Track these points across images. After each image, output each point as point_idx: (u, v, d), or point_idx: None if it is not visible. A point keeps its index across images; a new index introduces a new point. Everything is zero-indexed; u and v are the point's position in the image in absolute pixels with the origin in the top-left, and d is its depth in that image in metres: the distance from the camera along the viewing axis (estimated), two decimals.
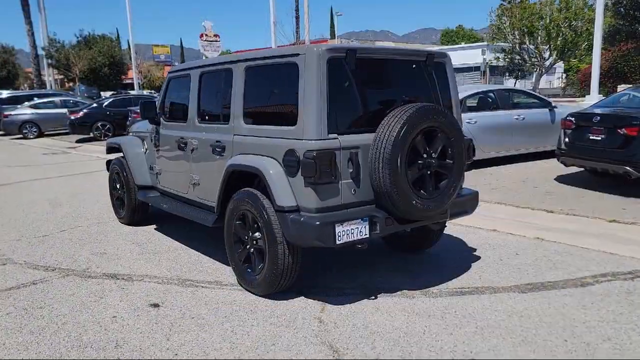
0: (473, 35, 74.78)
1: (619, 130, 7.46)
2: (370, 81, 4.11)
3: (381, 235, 4.03)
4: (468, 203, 4.67)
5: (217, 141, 4.72)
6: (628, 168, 7.31)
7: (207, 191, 4.90)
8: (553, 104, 10.84)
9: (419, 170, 4.00)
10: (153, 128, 5.99)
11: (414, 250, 5.34)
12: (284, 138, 3.96)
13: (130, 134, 6.87)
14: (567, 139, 8.33)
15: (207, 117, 5.02)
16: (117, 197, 6.84)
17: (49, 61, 37.89)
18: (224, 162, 4.49)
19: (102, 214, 7.36)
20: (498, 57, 41.10)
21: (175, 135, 5.45)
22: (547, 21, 37.00)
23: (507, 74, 42.48)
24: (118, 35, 42.90)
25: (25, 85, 48.72)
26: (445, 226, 5.18)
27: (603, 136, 7.71)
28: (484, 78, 45.93)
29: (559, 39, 36.71)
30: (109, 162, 6.95)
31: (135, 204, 6.42)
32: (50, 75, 41.91)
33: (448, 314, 3.91)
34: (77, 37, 39.17)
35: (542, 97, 11.34)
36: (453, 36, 77.67)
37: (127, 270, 5.00)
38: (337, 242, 3.77)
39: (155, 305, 4.14)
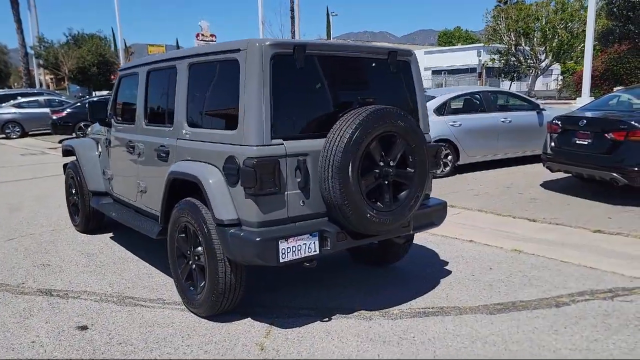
0: (470, 36, 74.55)
1: (606, 135, 7.09)
2: (322, 80, 3.72)
3: (332, 252, 3.64)
4: (435, 214, 4.28)
5: (161, 145, 4.33)
6: (615, 174, 6.94)
7: (154, 199, 4.51)
8: (541, 107, 10.48)
9: (374, 180, 3.61)
10: (105, 130, 5.59)
11: (380, 263, 4.96)
12: (225, 144, 3.58)
13: (89, 136, 6.47)
14: (553, 143, 7.96)
15: (153, 119, 4.63)
16: (72, 203, 6.44)
17: (39, 60, 37.42)
18: (168, 169, 4.10)
19: (60, 221, 6.96)
20: (493, 59, 40.90)
21: (125, 138, 5.06)
22: (543, 22, 36.80)
23: (503, 75, 42.25)
24: (114, 35, 42.41)
25: (16, 84, 48.23)
26: (412, 239, 4.79)
27: (590, 141, 7.34)
28: (480, 79, 45.66)
29: (555, 40, 36.50)
30: (65, 166, 6.55)
31: (89, 211, 6.02)
32: (41, 75, 41.43)
33: (405, 340, 3.52)
34: (67, 36, 38.74)
35: (530, 99, 10.99)
36: (450, 37, 77.43)
37: (65, 286, 4.60)
38: (281, 260, 3.39)
39: (83, 328, 3.75)
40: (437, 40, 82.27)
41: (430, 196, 4.42)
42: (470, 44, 58.40)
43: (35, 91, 25.63)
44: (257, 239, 3.32)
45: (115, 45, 40.37)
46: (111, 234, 6.24)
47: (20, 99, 21.98)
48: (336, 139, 3.42)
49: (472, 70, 47.08)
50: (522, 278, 4.63)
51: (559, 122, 7.85)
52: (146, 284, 4.62)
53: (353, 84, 3.88)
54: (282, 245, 3.38)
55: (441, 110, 9.44)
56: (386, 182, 3.65)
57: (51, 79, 53.06)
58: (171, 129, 4.22)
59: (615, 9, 24.62)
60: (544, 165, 8.22)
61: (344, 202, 3.42)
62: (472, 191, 8.32)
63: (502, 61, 40.18)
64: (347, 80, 3.85)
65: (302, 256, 3.48)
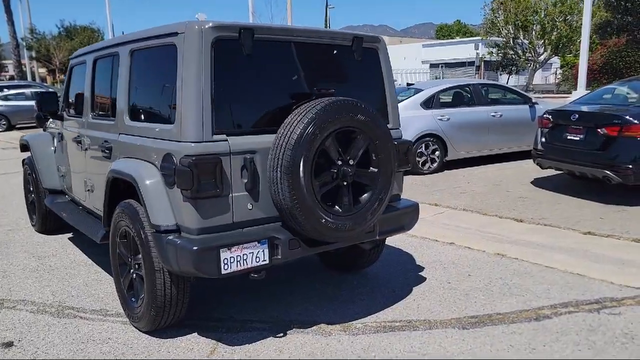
0: (468, 30, 73.97)
1: (598, 130, 6.69)
2: (274, 69, 3.33)
3: (284, 262, 3.25)
4: (404, 218, 3.90)
5: (105, 141, 3.95)
6: (608, 172, 6.55)
7: (100, 200, 4.12)
8: (534, 100, 10.07)
9: (331, 181, 3.23)
10: (59, 124, 5.20)
11: (349, 269, 4.58)
12: (164, 140, 3.19)
13: (47, 129, 6.07)
14: (543, 139, 7.57)
15: (98, 112, 4.24)
16: (30, 201, 6.06)
17: (30, 53, 36.88)
18: (110, 167, 3.72)
19: (20, 220, 6.57)
20: (491, 52, 40.38)
21: (74, 132, 4.67)
22: (542, 15, 36.27)
23: (501, 69, 41.78)
24: (113, 28, 41.77)
25: (7, 76, 47.70)
26: (383, 243, 4.41)
27: (582, 136, 6.95)
28: (478, 73, 45.16)
29: (554, 33, 35.96)
30: (23, 161, 6.16)
31: (46, 210, 5.63)
32: (34, 67, 40.91)
33: None
34: (59, 28, 38.22)
35: (522, 92, 10.58)
36: (448, 31, 76.83)
37: (3, 294, 4.23)
38: (223, 272, 3.01)
39: (8, 345, 3.37)
40: (435, 33, 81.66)
41: (408, 197, 4.06)
42: (469, 37, 57.83)
43: (23, 83, 25.14)
44: (194, 247, 2.94)
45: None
46: (70, 235, 5.85)
47: (6, 92, 21.51)
48: (286, 134, 3.04)
49: (470, 63, 46.55)
50: (502, 286, 4.26)
51: (550, 117, 7.46)
52: (93, 292, 4.25)
53: (311, 73, 3.47)
54: (225, 254, 3.00)
55: (429, 103, 9.04)
56: (345, 184, 3.27)
57: (47, 71, 52.54)
58: (113, 122, 3.83)
59: (613, 0, 24.16)
60: (534, 162, 7.83)
61: (294, 206, 3.04)
62: (459, 189, 7.94)
63: (500, 54, 39.67)
64: (303, 69, 3.45)
65: (249, 266, 3.11)
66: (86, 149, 4.34)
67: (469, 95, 9.60)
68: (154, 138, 3.29)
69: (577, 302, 3.93)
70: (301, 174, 3.02)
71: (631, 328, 3.49)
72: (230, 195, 3.10)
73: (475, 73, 45.67)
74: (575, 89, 15.80)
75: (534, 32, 36.96)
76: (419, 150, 8.83)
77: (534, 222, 6.11)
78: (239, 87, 3.16)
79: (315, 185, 3.11)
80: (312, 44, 3.46)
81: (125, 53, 3.70)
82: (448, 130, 8.98)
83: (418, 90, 9.26)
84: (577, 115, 7.05)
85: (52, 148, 5.53)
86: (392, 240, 5.42)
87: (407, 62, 51.74)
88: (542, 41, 36.75)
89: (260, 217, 3.24)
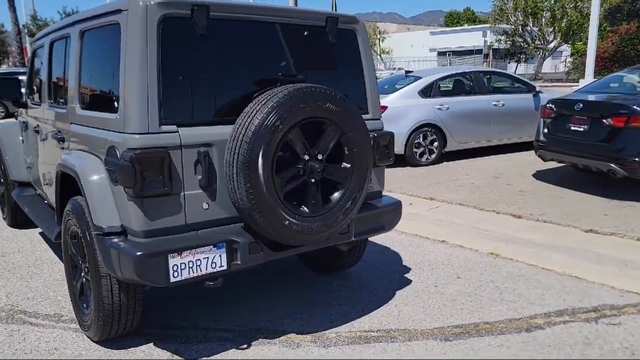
0: (477, 18, 72.94)
1: (603, 121, 6.30)
2: (234, 52, 2.98)
3: (245, 267, 2.93)
4: (385, 216, 3.56)
5: (58, 131, 3.63)
6: (613, 165, 6.16)
7: (54, 195, 3.81)
8: (538, 89, 9.64)
9: (296, 178, 2.89)
10: (23, 112, 4.89)
11: (330, 270, 4.26)
12: (109, 130, 2.86)
13: (18, 118, 5.76)
14: (546, 130, 7.18)
15: (54, 100, 3.91)
16: (1, 194, 5.77)
17: (32, 39, 36.53)
18: (59, 159, 3.40)
19: None
20: (499, 40, 39.69)
21: (34, 121, 4.36)
22: (552, 2, 35.49)
23: (509, 57, 41.07)
24: None
25: (10, 63, 47.45)
26: (364, 243, 4.07)
27: (586, 127, 6.55)
28: (486, 61, 44.46)
29: (564, 20, 35.23)
30: None
31: (15, 203, 5.33)
32: None
33: None
34: (61, 15, 37.82)
35: (526, 81, 10.14)
36: (457, 18, 75.80)
37: None
38: (172, 280, 2.69)
39: None
40: (443, 21, 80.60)
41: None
42: (477, 25, 56.93)
43: (22, 70, 24.84)
44: (138, 253, 2.61)
45: None
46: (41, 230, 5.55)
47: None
48: (243, 125, 2.70)
49: (478, 51, 45.83)
50: (493, 291, 3.92)
51: (553, 106, 7.05)
52: (51, 293, 3.95)
53: (277, 57, 3.12)
54: (174, 260, 2.68)
55: (427, 92, 8.64)
56: (313, 181, 2.93)
57: None
58: (65, 111, 3.51)
59: None
60: (536, 154, 7.45)
61: (252, 207, 2.71)
62: (457, 181, 7.57)
63: (509, 42, 38.98)
64: (269, 52, 3.10)
65: (203, 273, 2.79)
66: (44, 139, 4.02)
67: (470, 84, 9.19)
68: (100, 129, 2.97)
69: (573, 310, 3.58)
70: (260, 170, 2.68)
71: (631, 341, 3.15)
72: (182, 193, 2.77)
73: (484, 61, 44.96)
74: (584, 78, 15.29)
75: (543, 19, 36.26)
76: (417, 141, 8.46)
77: (533, 218, 5.75)
78: (192, 71, 2.81)
79: (277, 182, 2.77)
80: (279, 24, 3.10)
81: (75, 34, 3.37)
82: (447, 120, 8.60)
83: (417, 78, 8.86)
84: (581, 105, 6.65)
85: (21, 138, 5.22)
86: (380, 238, 5.10)
87: (415, 50, 51.10)
88: (552, 28, 36.06)
89: (218, 218, 2.91)
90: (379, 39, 50.57)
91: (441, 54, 50.63)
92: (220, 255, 2.82)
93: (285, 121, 2.72)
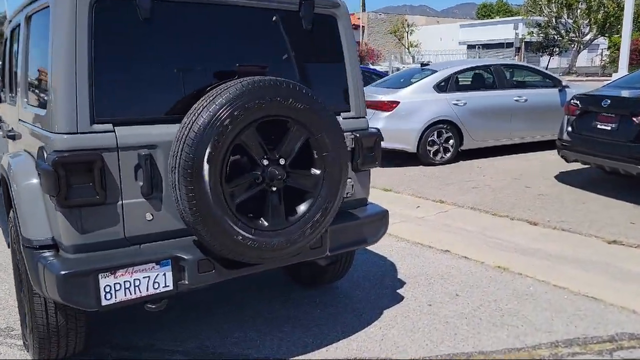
0: (510, 9, 71.06)
1: (634, 119, 5.71)
2: (185, 39, 2.59)
3: (194, 288, 2.55)
4: (367, 228, 3.14)
5: (11, 128, 3.32)
6: None
7: None
8: (565, 84, 9.00)
9: (253, 187, 2.49)
10: None
11: (315, 283, 3.85)
12: (41, 128, 2.52)
13: None
14: (570, 128, 6.60)
15: (11, 94, 3.61)
16: None
17: None
18: None
19: None
20: (532, 32, 38.40)
21: (2, 115, 4.07)
22: None
23: (541, 50, 39.74)
24: None
25: None
26: (350, 256, 3.65)
27: (614, 125, 5.96)
28: (518, 55, 43.13)
29: (600, 12, 33.83)
30: None
31: None
32: None
33: None
34: None
35: (552, 74, 9.50)
36: (489, 10, 74.01)
37: None
38: (104, 303, 2.34)
39: None
40: (475, 13, 78.83)
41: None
42: (510, 17, 55.38)
43: None
44: (61, 272, 2.26)
45: None
46: None
47: None
48: (188, 125, 2.31)
49: (509, 44, 44.46)
50: (494, 312, 3.46)
51: (578, 102, 6.48)
52: (11, 302, 3.65)
53: (238, 45, 2.73)
54: (106, 280, 2.32)
55: (443, 86, 8.12)
56: (274, 189, 2.53)
57: None
58: (15, 106, 3.19)
59: None
60: (558, 154, 6.87)
61: (196, 219, 2.32)
62: (471, 183, 7.06)
63: (541, 35, 37.69)
64: (228, 39, 2.70)
65: (143, 295, 2.42)
66: (4, 137, 3.73)
67: (490, 78, 8.63)
68: (35, 126, 2.63)
69: (585, 339, 3.10)
70: (205, 176, 2.29)
71: None
72: (120, 202, 2.41)
73: (515, 54, 43.67)
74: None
75: (578, 11, 34.93)
76: (430, 139, 7.96)
77: (551, 225, 5.23)
78: (133, 61, 2.44)
79: (227, 191, 2.38)
80: (241, 7, 2.70)
81: (22, 20, 3.04)
82: (464, 116, 8.07)
83: (433, 72, 8.35)
84: (609, 101, 6.06)
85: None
86: (377, 246, 4.65)
87: (443, 43, 49.98)
88: (587, 20, 34.69)
89: (166, 231, 2.54)
90: (407, 32, 49.66)
91: (471, 47, 49.36)
92: (164, 274, 2.46)
93: (237, 120, 2.33)
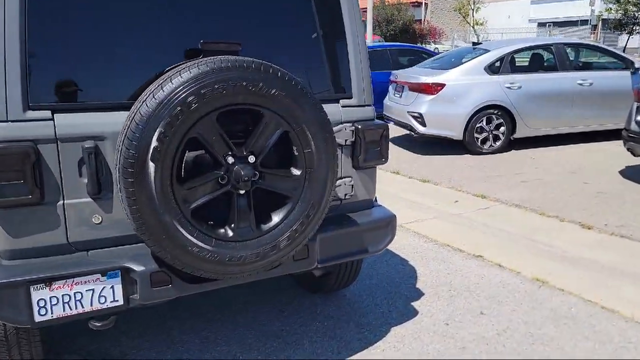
0: None
1: None
2: (143, 11, 2.19)
3: (148, 304, 2.19)
4: (368, 236, 2.67)
5: None
6: None
7: None
8: (637, 65, 8.01)
9: (215, 189, 2.08)
10: None
11: (319, 290, 3.44)
12: None
13: None
14: (639, 117, 5.77)
15: None
16: None
17: None
18: None
19: None
20: (610, 9, 35.60)
21: None
22: None
23: (620, 28, 36.85)
24: None
25: None
26: (358, 263, 3.19)
27: None
28: (594, 33, 40.26)
29: None
30: None
31: None
32: None
33: None
34: None
35: (623, 55, 8.48)
36: None
37: None
38: (38, 319, 2.02)
39: None
40: None
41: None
42: None
43: None
44: None
45: None
46: None
47: None
48: (132, 115, 1.92)
49: (584, 22, 41.64)
50: (522, 339, 2.92)
51: None
52: None
53: (207, 17, 2.30)
54: (40, 293, 2.00)
55: (495, 67, 7.38)
56: (242, 192, 2.11)
57: None
58: None
59: None
60: (624, 146, 6.06)
61: (139, 227, 1.95)
62: (521, 175, 6.36)
63: (620, 11, 34.87)
64: (194, 10, 2.28)
65: (86, 311, 2.09)
66: None
67: (551, 58, 7.78)
68: None
69: None
70: (150, 176, 1.90)
71: None
72: (61, 202, 2.07)
73: (591, 33, 40.79)
74: None
75: None
76: (479, 125, 7.27)
77: (607, 230, 4.55)
78: (79, 36, 2.07)
79: (179, 194, 1.98)
80: None
81: None
82: (518, 101, 7.31)
83: (485, 51, 7.61)
84: None
85: None
86: (399, 247, 4.21)
87: (512, 20, 47.46)
88: None
89: (118, 236, 2.19)
90: (473, 10, 47.45)
91: (541, 25, 46.63)
92: (112, 287, 2.11)
93: (190, 109, 1.92)
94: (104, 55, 2.11)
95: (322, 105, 2.26)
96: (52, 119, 2.02)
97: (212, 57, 1.98)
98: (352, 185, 2.67)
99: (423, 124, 7.26)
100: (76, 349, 2.82)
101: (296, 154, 2.18)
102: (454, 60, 7.96)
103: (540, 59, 7.86)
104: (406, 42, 23.46)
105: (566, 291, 3.47)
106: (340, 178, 2.63)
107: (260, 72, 2.02)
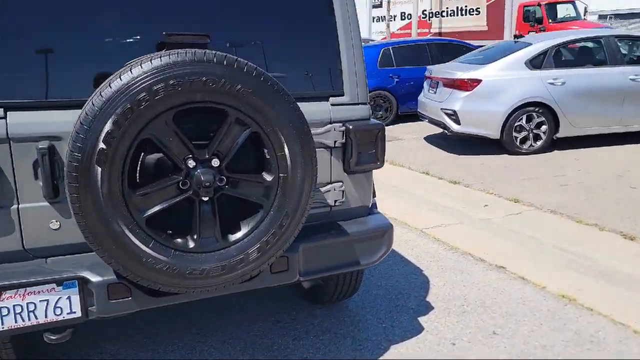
0: None
1: None
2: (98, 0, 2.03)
3: (107, 317, 2.04)
4: (360, 247, 2.43)
5: None
6: None
7: None
8: None
9: (174, 195, 1.90)
10: None
11: (319, 301, 3.22)
12: None
13: None
14: None
15: None
16: None
17: None
18: None
19: None
20: None
21: None
22: None
23: None
24: None
25: None
26: (358, 274, 2.95)
27: None
28: None
29: None
30: None
31: None
32: None
33: None
34: None
35: None
36: None
37: None
38: None
39: None
40: None
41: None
42: None
43: None
44: None
45: None
46: None
47: None
48: (81, 114, 1.77)
49: None
50: None
51: None
52: None
53: (178, 9, 2.12)
54: None
55: (537, 62, 6.91)
56: (205, 199, 1.92)
57: None
58: None
59: None
60: None
61: (86, 236, 1.80)
62: (560, 178, 5.91)
63: None
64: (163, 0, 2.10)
65: (40, 322, 1.97)
66: None
67: (600, 52, 7.21)
68: None
69: None
70: (97, 181, 1.74)
71: None
72: (15, 206, 1.95)
73: None
74: None
75: None
76: (518, 124, 6.83)
77: None
78: (32, 31, 1.93)
79: (132, 201, 1.82)
80: None
81: None
82: (562, 97, 6.82)
83: (527, 45, 7.15)
84: None
85: None
86: (414, 254, 3.94)
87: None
88: None
89: (79, 243, 2.04)
90: None
91: (602, 17, 44.42)
92: (69, 298, 1.98)
93: (142, 107, 1.74)
94: (61, 49, 1.97)
95: (309, 103, 2.06)
96: (5, 118, 1.89)
97: (169, 51, 1.80)
98: (343, 191, 2.43)
99: (457, 121, 6.88)
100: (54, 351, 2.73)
101: (268, 157, 1.97)
102: (494, 55, 7.51)
103: (588, 53, 7.31)
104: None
105: (595, 311, 3.12)
106: (330, 183, 2.41)
107: (222, 67, 1.82)
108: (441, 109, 7.06)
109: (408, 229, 4.54)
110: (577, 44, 7.34)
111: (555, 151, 7.08)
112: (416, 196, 5.48)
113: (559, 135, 7.01)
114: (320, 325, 3.02)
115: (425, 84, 7.93)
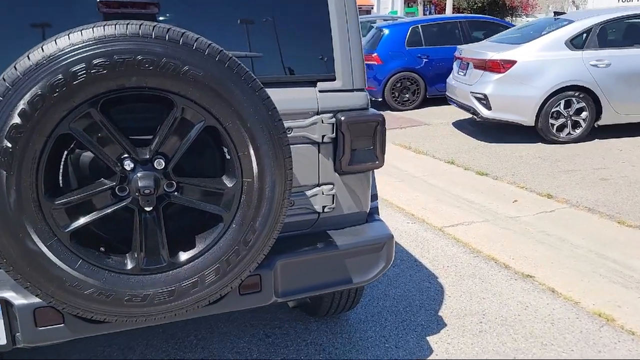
0: None
1: None
2: None
3: (34, 346, 1.70)
4: (352, 263, 2.03)
5: None
6: None
7: None
8: None
9: (106, 205, 1.53)
10: None
11: (317, 314, 2.84)
12: None
13: None
14: None
15: None
16: None
17: None
18: None
19: None
20: None
21: None
22: None
23: None
24: None
25: None
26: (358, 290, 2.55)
27: None
28: None
29: None
30: None
31: None
32: None
33: None
34: None
35: None
36: None
37: None
38: None
39: None
40: None
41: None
42: None
43: None
44: None
45: None
46: None
47: None
48: None
49: None
50: None
51: None
52: None
53: None
54: None
55: (579, 42, 6.27)
56: (149, 210, 1.55)
57: None
58: None
59: None
60: None
61: None
62: (601, 171, 5.34)
63: None
64: None
65: None
66: None
67: None
68: None
69: None
70: (3, 184, 1.38)
71: None
72: None
73: None
74: None
75: None
76: (555, 110, 6.24)
77: None
78: None
79: (49, 212, 1.45)
80: None
81: None
82: (606, 81, 6.18)
83: (568, 22, 6.50)
84: None
85: None
86: (433, 258, 3.51)
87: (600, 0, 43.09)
88: None
89: None
90: None
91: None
92: None
93: (56, 95, 1.36)
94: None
95: (290, 89, 1.67)
96: None
97: (92, 24, 1.41)
98: (334, 195, 2.03)
99: (488, 106, 6.34)
100: None
101: (228, 158, 1.58)
102: (532, 33, 6.89)
103: (637, 32, 6.61)
104: (495, 16, 21.74)
105: (637, 335, 2.65)
106: (317, 185, 2.00)
107: (164, 43, 1.42)
108: (471, 92, 6.52)
109: (425, 226, 4.11)
110: (624, 21, 6.63)
111: (596, 140, 6.46)
112: (438, 188, 5.03)
113: (600, 122, 6.39)
114: (315, 343, 2.64)
115: (454, 65, 7.37)
